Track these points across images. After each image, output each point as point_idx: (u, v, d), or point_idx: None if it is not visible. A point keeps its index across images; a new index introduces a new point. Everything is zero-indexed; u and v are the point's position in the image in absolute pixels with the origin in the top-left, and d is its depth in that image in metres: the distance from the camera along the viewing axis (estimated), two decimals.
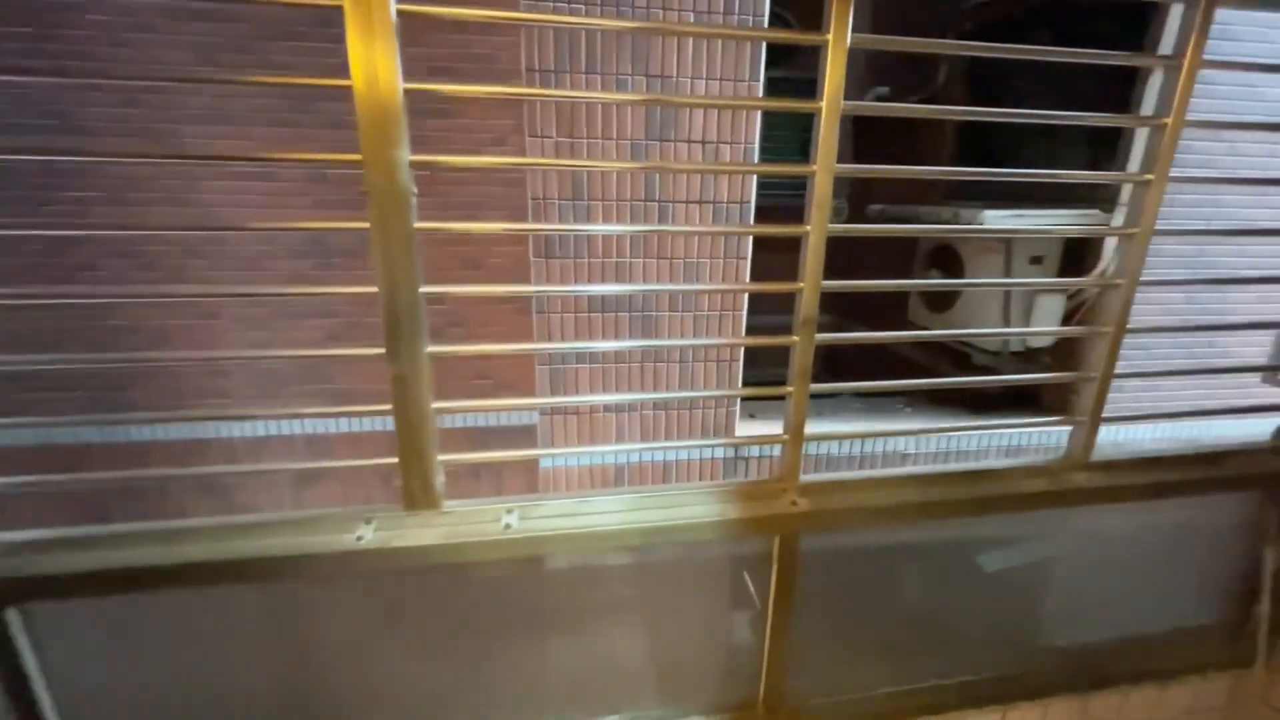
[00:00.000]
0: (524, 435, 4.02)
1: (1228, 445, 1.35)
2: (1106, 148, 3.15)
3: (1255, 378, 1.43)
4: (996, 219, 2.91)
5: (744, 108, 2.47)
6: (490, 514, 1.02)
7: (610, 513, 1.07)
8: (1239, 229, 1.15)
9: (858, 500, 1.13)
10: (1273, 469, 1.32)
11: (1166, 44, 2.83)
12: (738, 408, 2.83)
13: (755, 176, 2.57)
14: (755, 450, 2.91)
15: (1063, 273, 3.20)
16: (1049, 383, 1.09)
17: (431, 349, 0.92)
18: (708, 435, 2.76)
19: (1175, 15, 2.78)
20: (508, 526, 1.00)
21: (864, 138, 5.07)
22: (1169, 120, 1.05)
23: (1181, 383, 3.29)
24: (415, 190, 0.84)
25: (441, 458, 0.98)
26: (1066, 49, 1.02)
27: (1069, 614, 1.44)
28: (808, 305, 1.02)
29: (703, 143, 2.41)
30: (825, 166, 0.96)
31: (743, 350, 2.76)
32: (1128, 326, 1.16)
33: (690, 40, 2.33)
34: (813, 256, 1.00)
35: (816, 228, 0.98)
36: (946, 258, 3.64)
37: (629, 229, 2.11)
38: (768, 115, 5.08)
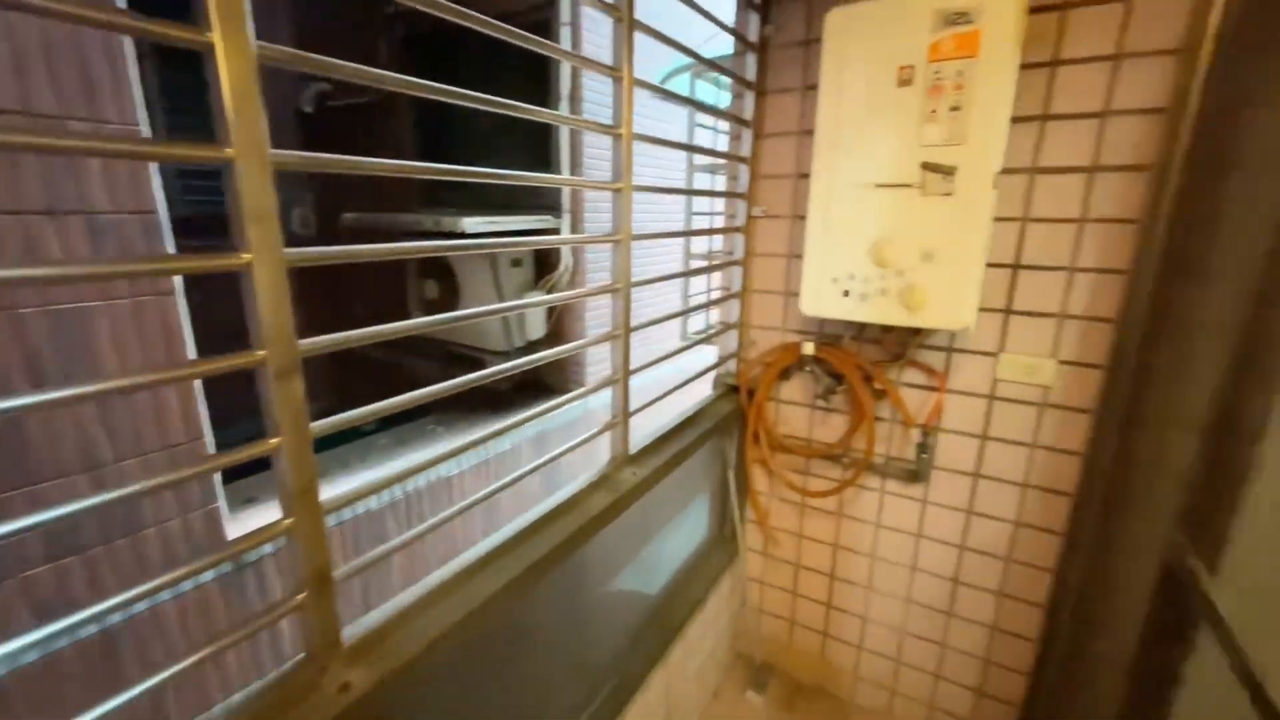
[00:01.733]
0: None
1: (696, 405, 1.68)
2: (541, 161, 3.66)
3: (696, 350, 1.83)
4: (476, 225, 2.98)
5: None
6: None
7: None
8: (688, 230, 1.46)
9: (435, 623, 0.81)
10: (721, 411, 1.70)
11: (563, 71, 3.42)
12: (221, 501, 1.99)
13: (159, 174, 1.75)
14: (266, 546, 2.15)
15: (539, 271, 3.61)
16: (595, 385, 1.00)
17: None
18: (175, 556, 1.85)
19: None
20: None
21: (320, 145, 4.47)
22: (622, 131, 1.10)
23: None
24: None
25: None
26: (539, 39, 0.91)
27: (633, 595, 1.54)
28: (282, 386, 0.61)
29: (26, 113, 1.45)
30: (251, 152, 0.55)
31: (203, 404, 1.94)
32: (631, 325, 1.22)
33: None
34: (267, 301, 0.59)
35: (263, 255, 0.57)
36: (439, 264, 3.58)
37: None
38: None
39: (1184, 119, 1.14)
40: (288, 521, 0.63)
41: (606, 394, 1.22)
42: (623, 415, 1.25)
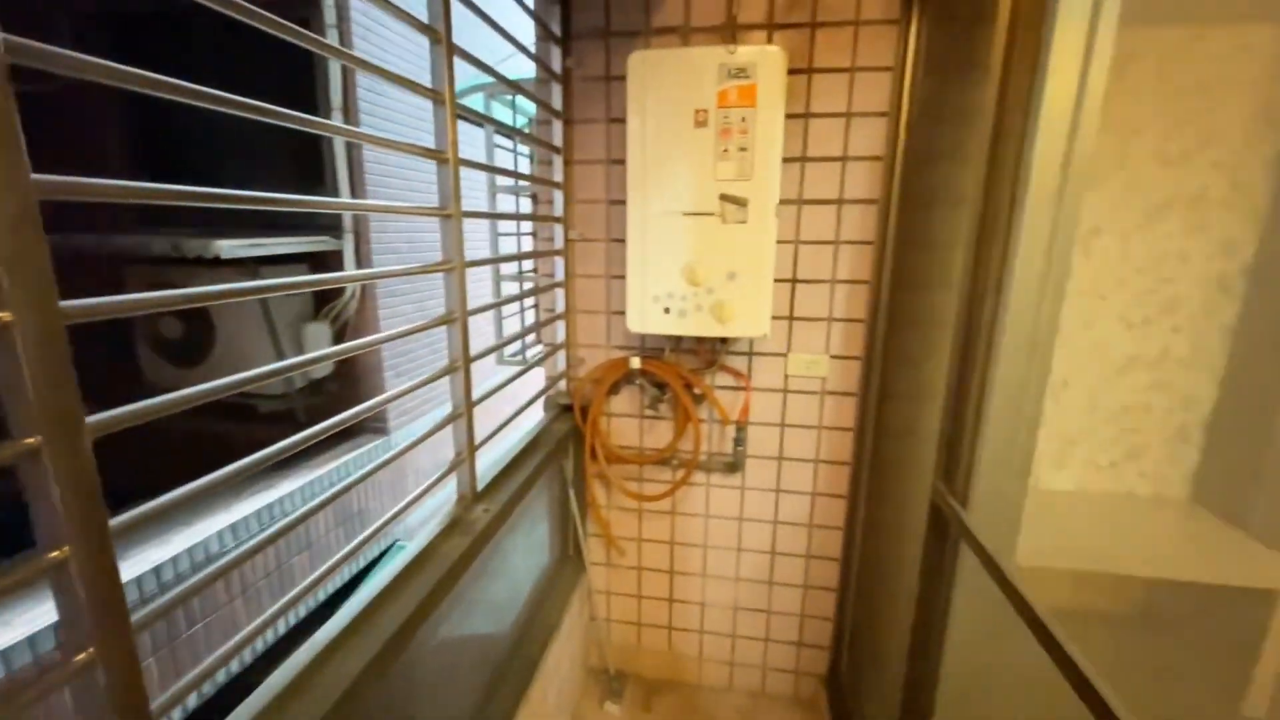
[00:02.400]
0: None
1: (533, 429, 1.66)
2: (311, 176, 3.24)
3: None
4: (236, 250, 2.51)
5: None
6: None
7: None
8: (520, 254, 1.43)
9: None
10: (557, 432, 1.71)
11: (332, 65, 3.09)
12: None
13: None
14: None
15: (319, 298, 3.18)
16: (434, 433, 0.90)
17: None
18: None
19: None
20: None
21: None
22: (449, 156, 1.05)
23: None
24: None
25: None
26: (349, 51, 0.83)
27: (491, 635, 1.47)
28: (67, 480, 0.47)
29: None
30: (9, 180, 0.42)
31: None
32: (471, 355, 1.17)
33: None
34: (39, 371, 0.45)
35: (29, 311, 0.44)
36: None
37: None
38: None
39: (895, 165, 1.50)
40: (87, 652, 0.48)
41: (410, 430, 1.14)
42: (469, 450, 1.19)
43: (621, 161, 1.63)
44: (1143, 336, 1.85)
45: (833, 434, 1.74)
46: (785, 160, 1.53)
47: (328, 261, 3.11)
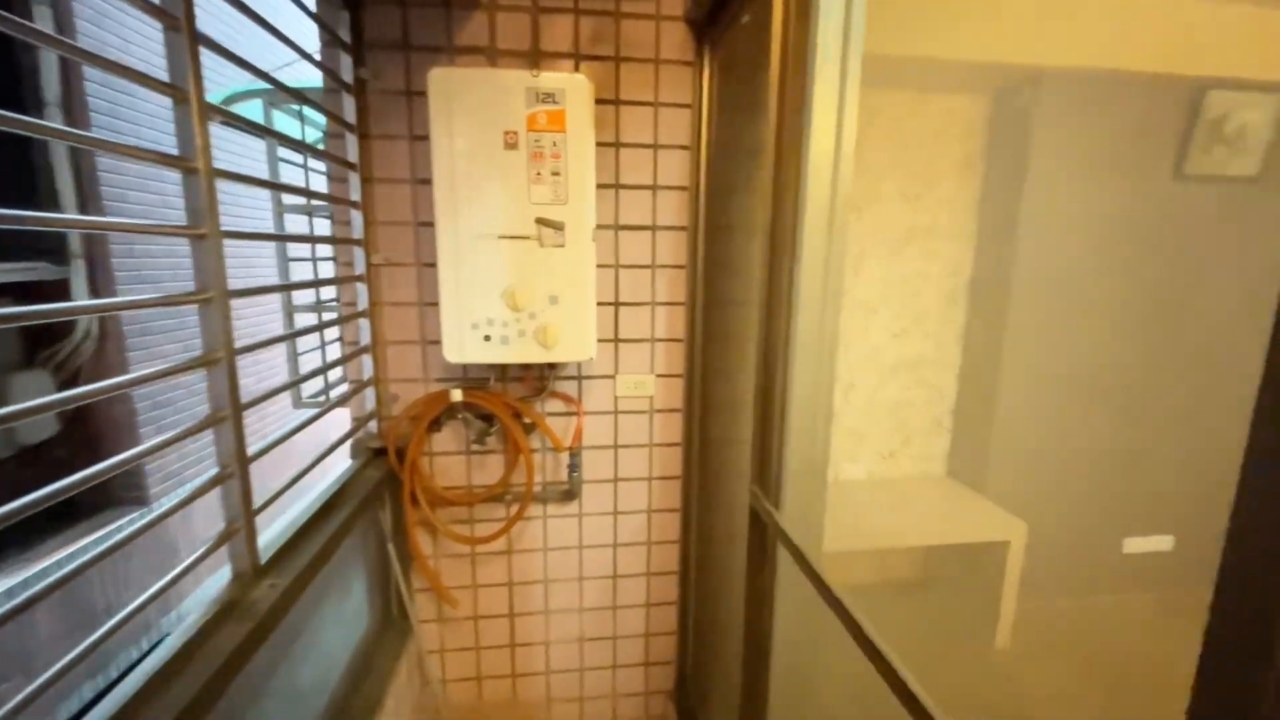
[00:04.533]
0: None
1: (337, 480, 1.45)
2: (21, 187, 2.55)
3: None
4: None
5: None
6: None
7: None
8: (306, 282, 1.21)
9: None
10: (368, 479, 1.52)
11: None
12: None
13: None
14: None
15: (33, 341, 2.48)
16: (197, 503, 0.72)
17: None
18: None
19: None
20: None
21: None
22: (199, 165, 0.88)
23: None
24: None
25: None
26: (55, 35, 0.64)
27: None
28: None
29: None
30: None
31: None
32: (243, 401, 0.98)
33: None
34: None
35: None
36: None
37: None
38: None
39: (699, 195, 1.62)
40: None
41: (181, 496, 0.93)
42: (245, 518, 0.99)
43: (429, 181, 1.53)
44: (904, 343, 2.20)
45: (663, 450, 1.79)
46: (600, 186, 1.56)
47: (44, 294, 2.44)
